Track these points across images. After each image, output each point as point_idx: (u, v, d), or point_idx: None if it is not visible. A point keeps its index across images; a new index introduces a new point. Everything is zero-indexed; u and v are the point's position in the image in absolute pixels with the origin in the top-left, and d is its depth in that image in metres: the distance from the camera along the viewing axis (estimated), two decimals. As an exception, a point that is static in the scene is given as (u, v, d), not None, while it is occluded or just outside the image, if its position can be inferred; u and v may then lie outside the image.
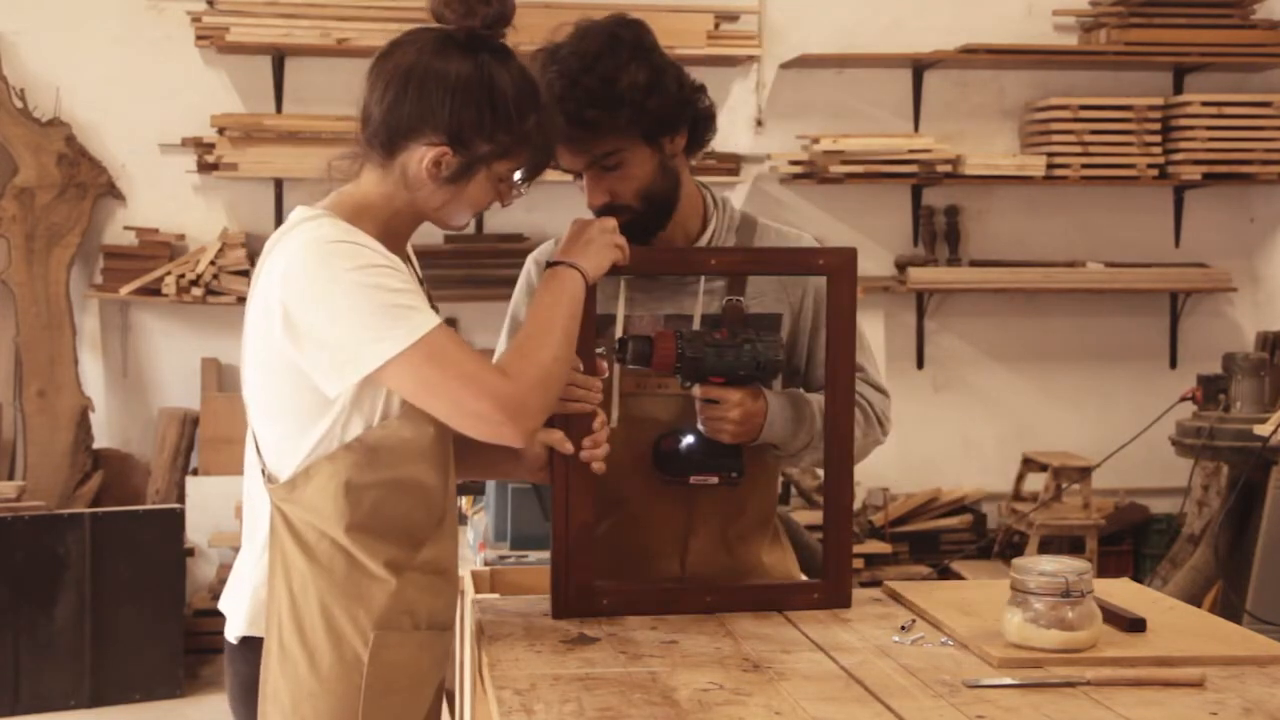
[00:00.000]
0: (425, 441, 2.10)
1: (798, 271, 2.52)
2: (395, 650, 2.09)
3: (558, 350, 2.11)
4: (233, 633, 2.17)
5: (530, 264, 2.63)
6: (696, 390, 2.42)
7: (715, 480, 2.47)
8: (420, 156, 2.10)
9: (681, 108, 2.43)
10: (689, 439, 2.46)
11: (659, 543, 2.54)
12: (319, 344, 2.01)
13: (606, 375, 2.37)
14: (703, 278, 2.51)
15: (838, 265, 2.39)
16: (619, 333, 2.48)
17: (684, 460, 2.47)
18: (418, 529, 2.11)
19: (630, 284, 2.51)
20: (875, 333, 6.47)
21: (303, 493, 2.06)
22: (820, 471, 2.48)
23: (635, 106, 2.34)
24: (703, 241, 2.53)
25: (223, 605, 2.22)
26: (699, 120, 2.48)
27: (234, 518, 5.80)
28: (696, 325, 2.49)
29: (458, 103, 2.08)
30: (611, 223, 2.29)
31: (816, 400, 2.50)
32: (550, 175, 2.38)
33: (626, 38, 2.38)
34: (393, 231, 2.13)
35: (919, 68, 6.50)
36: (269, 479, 2.10)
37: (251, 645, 2.13)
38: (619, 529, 2.51)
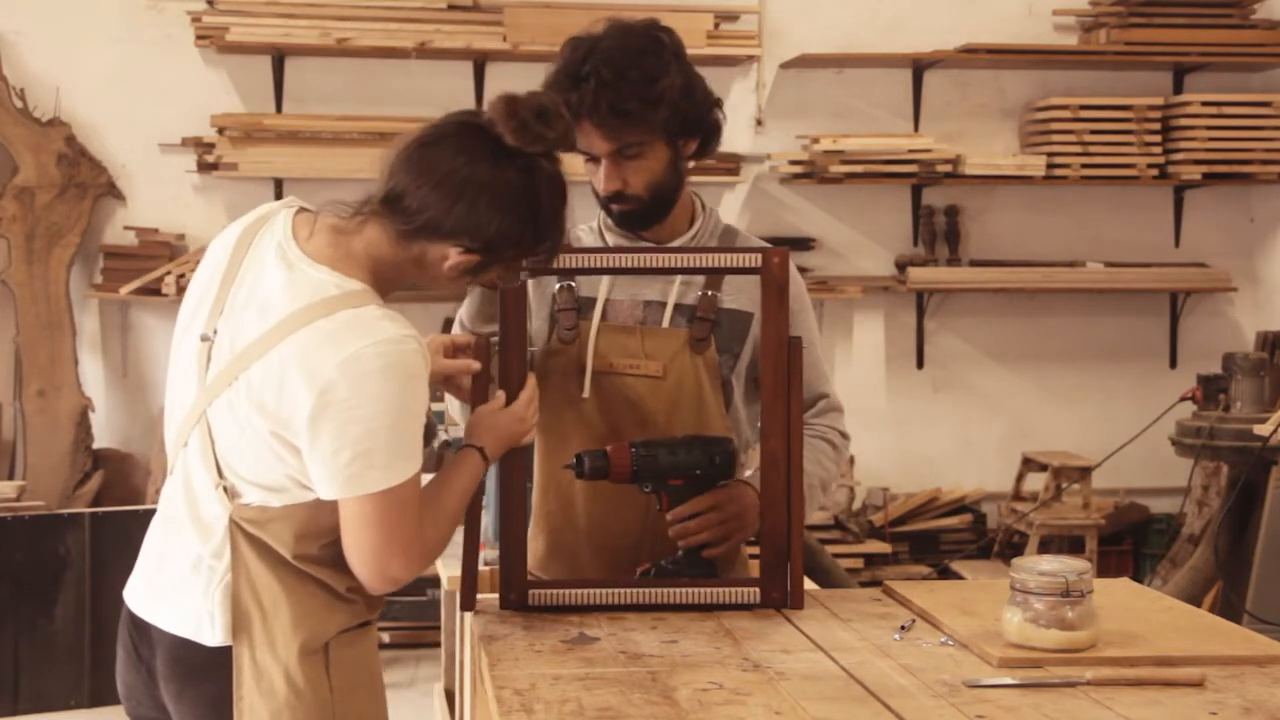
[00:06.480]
0: None
1: (733, 270, 2.53)
2: (351, 647, 2.12)
3: (444, 532, 2.18)
4: (209, 638, 2.10)
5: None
6: (669, 516, 2.45)
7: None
8: (444, 254, 2.08)
9: (705, 116, 2.56)
10: (667, 564, 2.47)
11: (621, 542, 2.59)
12: (333, 453, 1.99)
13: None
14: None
15: (770, 265, 2.40)
16: (598, 314, 2.56)
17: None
18: None
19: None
20: (875, 333, 6.48)
21: (271, 526, 2.07)
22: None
23: (671, 106, 2.47)
24: (685, 240, 2.62)
25: (175, 611, 2.14)
26: (711, 130, 2.60)
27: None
28: (669, 314, 2.56)
29: (504, 220, 2.07)
30: (522, 410, 2.34)
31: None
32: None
33: (667, 42, 2.51)
34: (383, 281, 2.11)
35: (919, 68, 6.50)
36: (228, 492, 2.10)
37: (219, 657, 2.09)
38: (579, 528, 2.60)
